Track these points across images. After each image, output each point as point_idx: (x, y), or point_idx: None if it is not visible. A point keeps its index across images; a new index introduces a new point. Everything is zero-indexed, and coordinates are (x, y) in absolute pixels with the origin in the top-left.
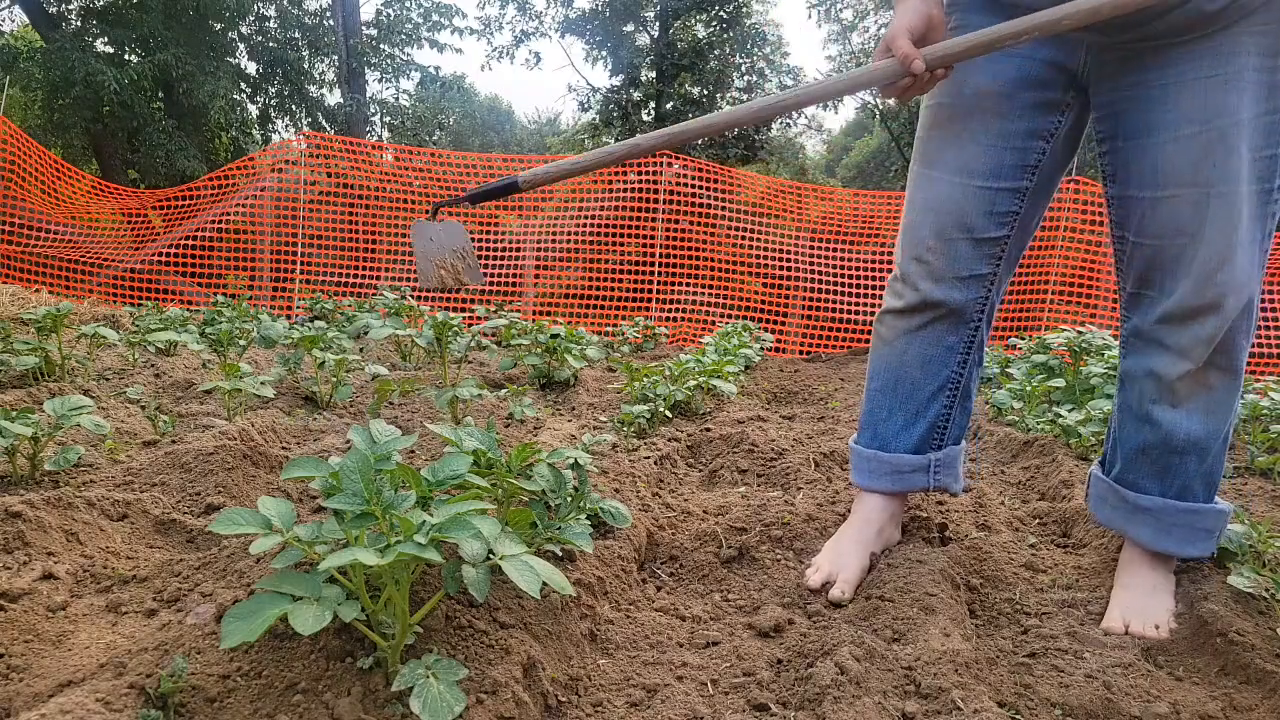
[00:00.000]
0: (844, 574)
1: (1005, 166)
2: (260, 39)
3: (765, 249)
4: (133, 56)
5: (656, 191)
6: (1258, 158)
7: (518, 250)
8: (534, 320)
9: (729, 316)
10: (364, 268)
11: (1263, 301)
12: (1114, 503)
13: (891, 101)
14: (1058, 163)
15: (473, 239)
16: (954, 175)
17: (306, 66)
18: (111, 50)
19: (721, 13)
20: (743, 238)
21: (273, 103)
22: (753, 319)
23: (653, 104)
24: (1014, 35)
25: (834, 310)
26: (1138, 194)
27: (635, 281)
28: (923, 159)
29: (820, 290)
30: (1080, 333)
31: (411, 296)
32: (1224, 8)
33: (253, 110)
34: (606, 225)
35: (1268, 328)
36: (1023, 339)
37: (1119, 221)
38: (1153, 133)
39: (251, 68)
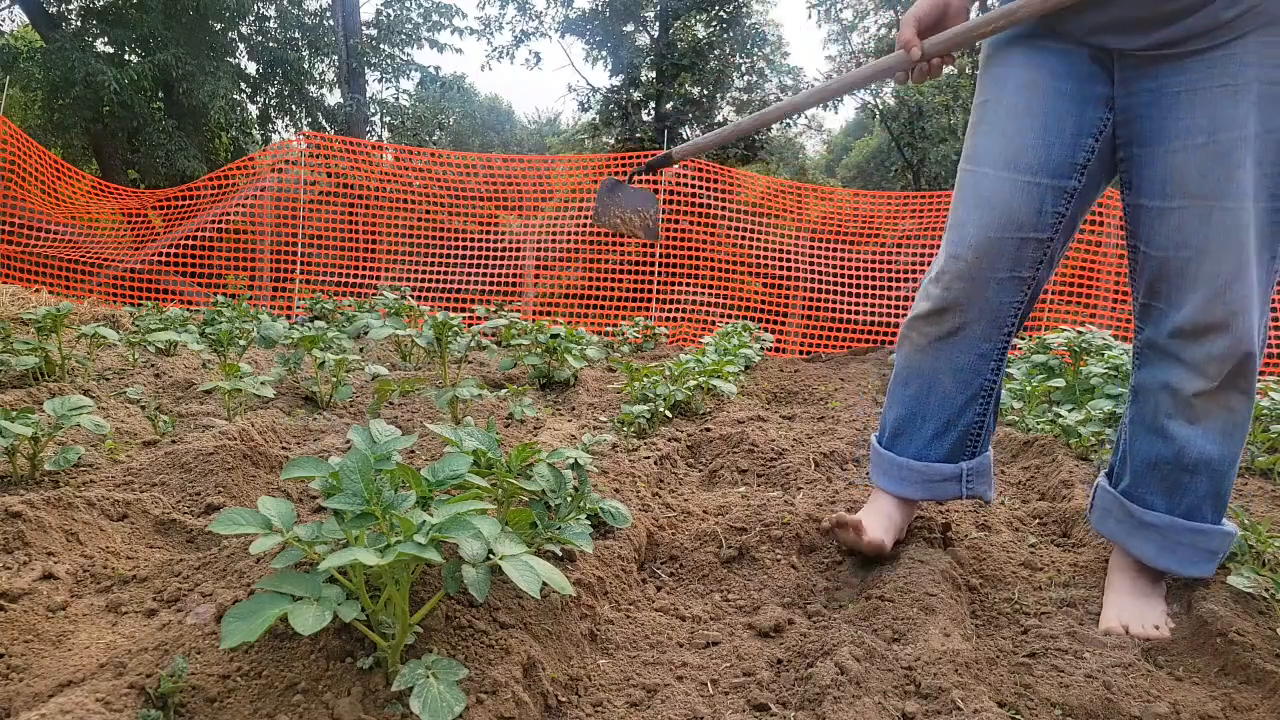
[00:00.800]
0: (882, 532)
1: (1053, 162)
2: (260, 39)
3: (765, 249)
4: (133, 56)
5: (656, 192)
6: (1267, 174)
7: (518, 250)
8: (534, 320)
9: (729, 316)
10: (364, 268)
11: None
12: (1119, 516)
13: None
14: (1104, 166)
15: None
16: (1001, 170)
17: (306, 66)
18: (111, 50)
19: (721, 13)
20: (743, 238)
21: (273, 103)
22: (753, 319)
23: (653, 104)
24: (987, 25)
25: (834, 310)
26: (1147, 203)
27: (635, 281)
28: (970, 157)
29: (820, 290)
30: (1080, 333)
31: (411, 296)
32: (1239, 15)
33: (253, 110)
34: None
35: (1268, 327)
36: (1023, 339)
37: (1132, 231)
38: (1162, 141)
39: (251, 68)
